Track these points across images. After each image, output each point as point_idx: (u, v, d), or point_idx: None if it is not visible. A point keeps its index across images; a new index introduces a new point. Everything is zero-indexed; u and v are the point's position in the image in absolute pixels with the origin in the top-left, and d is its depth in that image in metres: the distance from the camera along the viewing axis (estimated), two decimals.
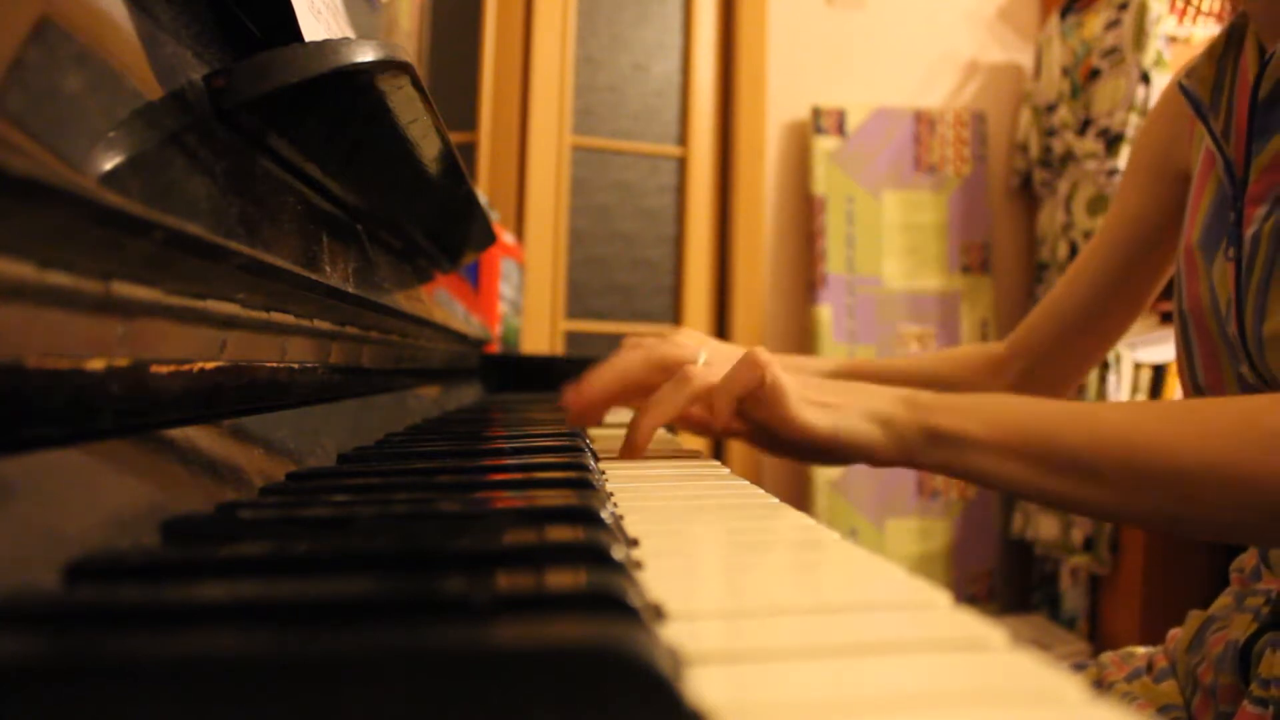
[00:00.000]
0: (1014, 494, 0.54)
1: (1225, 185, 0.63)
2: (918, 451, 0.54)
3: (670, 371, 0.57)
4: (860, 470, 2.31)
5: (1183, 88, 0.66)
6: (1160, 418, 0.50)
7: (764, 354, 0.54)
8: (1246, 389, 0.60)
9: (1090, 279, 0.79)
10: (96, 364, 0.26)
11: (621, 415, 0.92)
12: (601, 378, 0.58)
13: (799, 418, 0.53)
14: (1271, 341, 0.56)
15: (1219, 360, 0.63)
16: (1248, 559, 0.67)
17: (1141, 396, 2.03)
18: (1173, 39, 2.11)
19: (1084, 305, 0.80)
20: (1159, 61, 2.04)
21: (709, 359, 0.59)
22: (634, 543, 0.30)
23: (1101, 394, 2.03)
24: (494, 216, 1.34)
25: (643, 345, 0.62)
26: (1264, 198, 0.59)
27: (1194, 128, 0.70)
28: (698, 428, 0.64)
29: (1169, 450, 0.48)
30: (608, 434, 0.77)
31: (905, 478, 2.34)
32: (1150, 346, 2.01)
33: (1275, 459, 0.46)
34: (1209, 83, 0.65)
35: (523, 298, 1.93)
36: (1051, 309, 0.82)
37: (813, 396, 0.54)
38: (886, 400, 0.55)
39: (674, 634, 0.20)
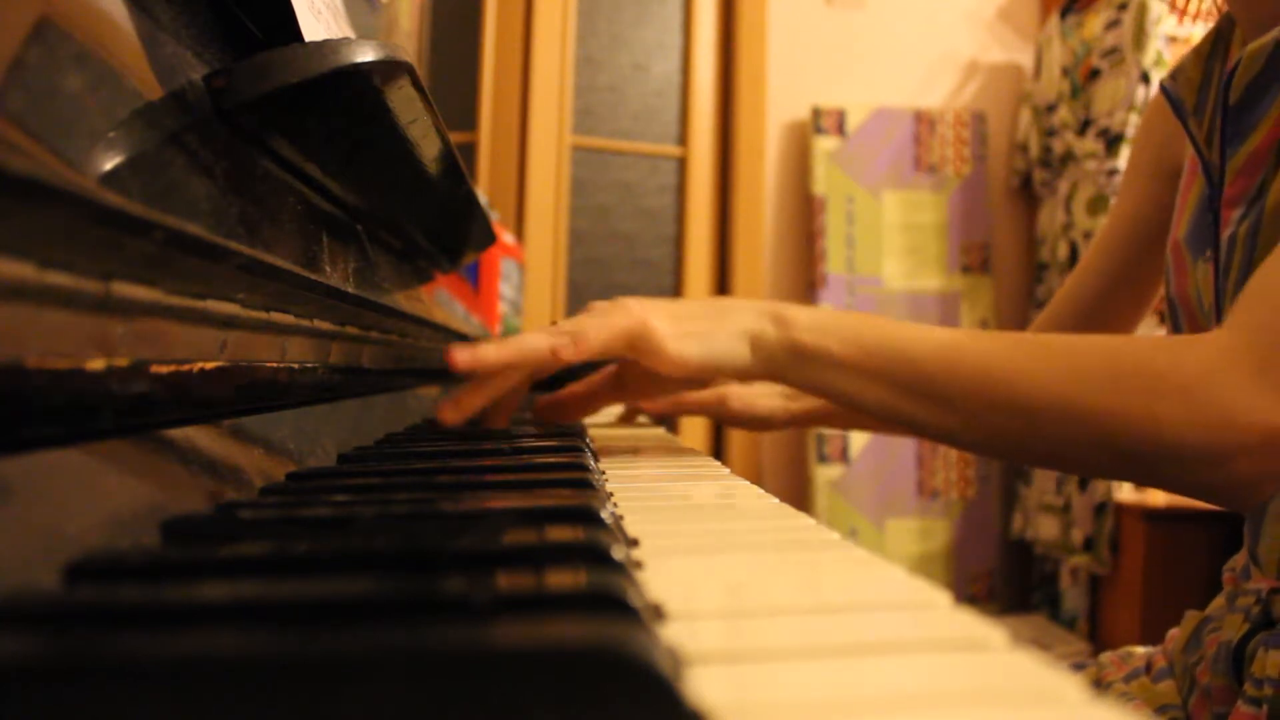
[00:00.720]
0: (875, 416, 0.54)
1: (1204, 189, 0.63)
2: (784, 368, 0.54)
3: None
4: (860, 470, 2.31)
5: (1164, 89, 0.66)
6: (1015, 347, 0.51)
7: (634, 306, 0.54)
8: None
9: (1094, 280, 0.79)
10: (96, 364, 0.26)
11: (617, 414, 0.92)
12: (501, 350, 0.55)
13: (674, 353, 0.54)
14: None
15: None
16: (1239, 559, 0.67)
17: None
18: (1173, 39, 2.11)
19: (1089, 306, 0.80)
20: (1159, 61, 2.04)
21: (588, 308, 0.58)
22: (634, 543, 0.30)
23: None
24: (494, 216, 1.34)
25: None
26: (1239, 200, 0.59)
27: None
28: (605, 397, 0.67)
29: (1018, 381, 0.49)
30: (608, 434, 0.77)
31: (905, 478, 2.34)
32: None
33: (1116, 398, 0.47)
34: (1195, 84, 0.65)
35: (523, 298, 1.93)
36: (1057, 312, 0.82)
37: (683, 328, 0.54)
38: (755, 316, 0.55)
39: (674, 634, 0.20)
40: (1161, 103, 0.75)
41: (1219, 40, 0.65)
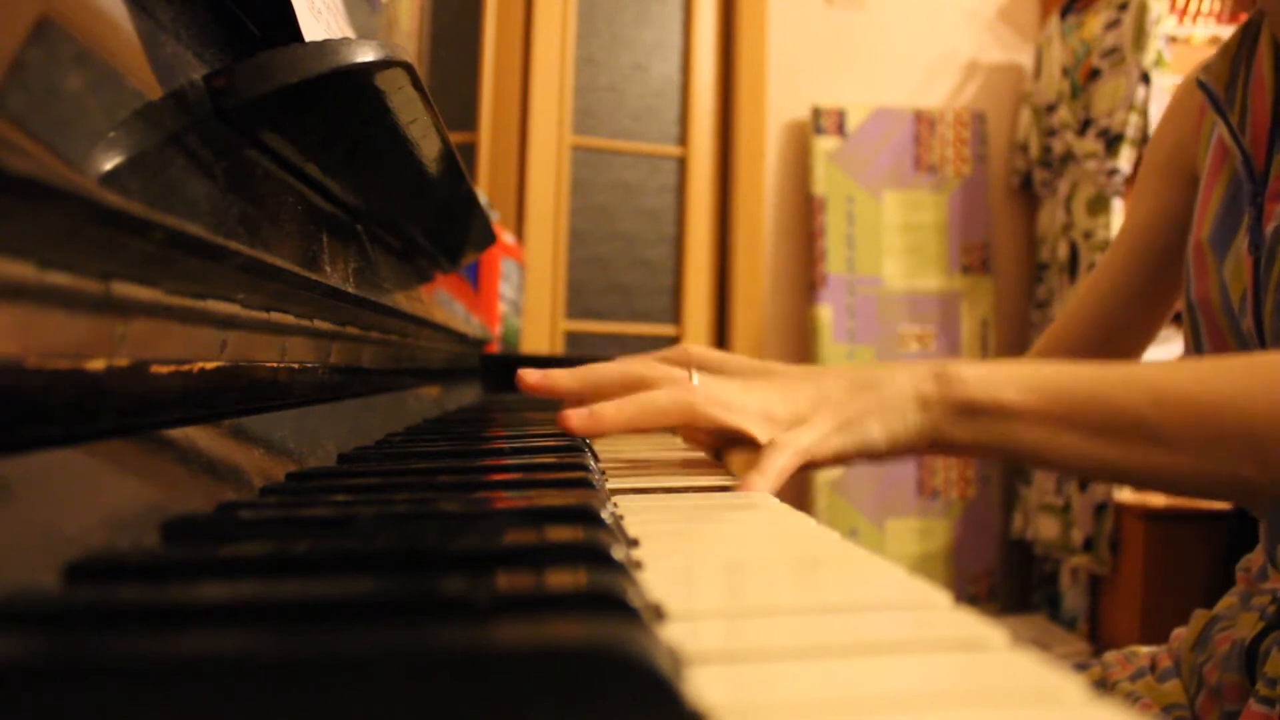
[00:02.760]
0: (1065, 470, 0.48)
1: (1244, 180, 0.62)
2: (951, 429, 0.49)
3: (691, 424, 0.50)
4: (860, 470, 2.31)
5: (1200, 82, 0.66)
6: (1216, 371, 0.46)
7: (787, 444, 0.47)
8: None
9: (1110, 289, 0.77)
10: (96, 364, 0.26)
11: None
12: (621, 414, 0.49)
13: (829, 456, 0.49)
14: None
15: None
16: (1254, 559, 0.66)
17: None
18: (1173, 39, 2.11)
19: (1105, 316, 0.77)
20: (1159, 61, 2.04)
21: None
22: (634, 543, 0.30)
23: None
24: (494, 216, 1.34)
25: (674, 390, 0.52)
26: None
27: (1200, 128, 0.70)
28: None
29: (1242, 406, 0.44)
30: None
31: (905, 478, 2.34)
32: (1158, 346, 2.01)
33: None
34: (1224, 79, 0.65)
35: (523, 298, 1.93)
36: (1069, 324, 0.79)
37: (831, 423, 0.49)
38: (909, 382, 0.50)
39: (674, 634, 0.20)
40: (1174, 107, 0.74)
41: (1245, 37, 0.65)
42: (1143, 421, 0.46)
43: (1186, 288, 0.68)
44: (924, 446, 0.50)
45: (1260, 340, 0.59)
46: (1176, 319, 0.74)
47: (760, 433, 0.49)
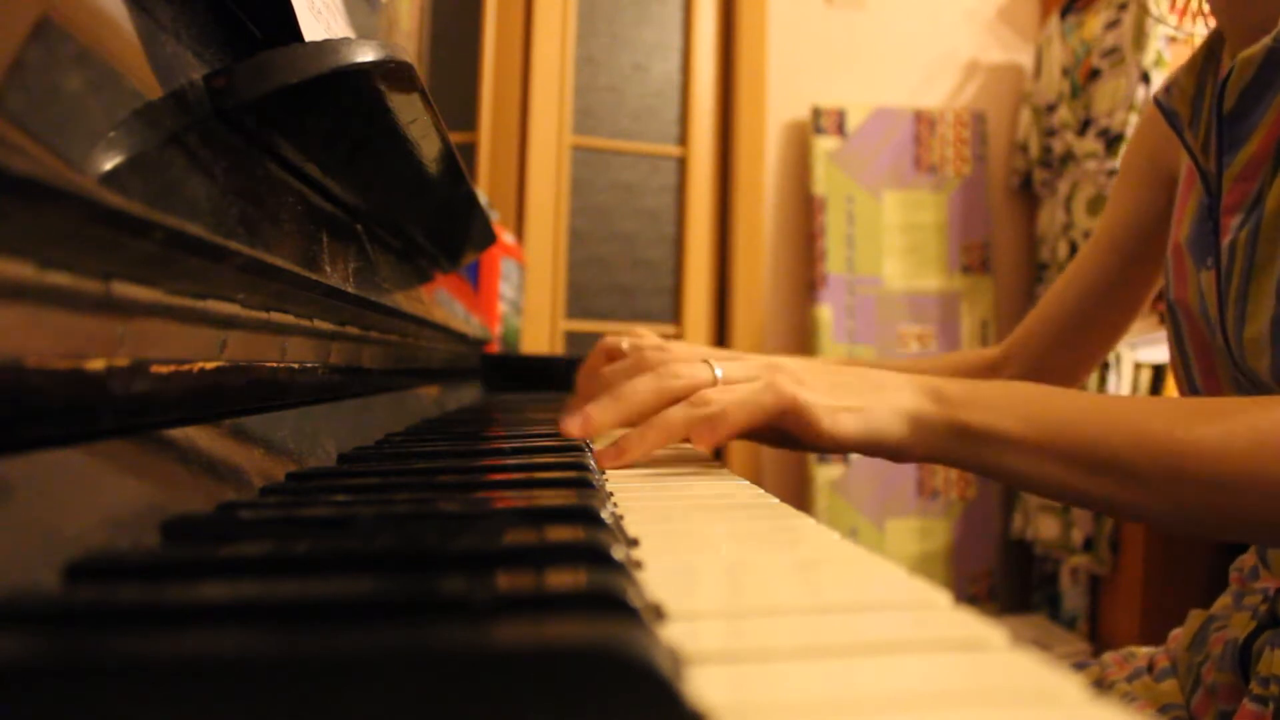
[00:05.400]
0: (1041, 492, 0.52)
1: (1203, 197, 0.64)
2: (948, 449, 0.52)
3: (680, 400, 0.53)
4: (860, 470, 2.31)
5: (1158, 102, 0.67)
6: (1191, 415, 0.48)
7: (784, 381, 0.51)
8: (1243, 392, 0.60)
9: (1084, 284, 0.79)
10: (96, 364, 0.26)
11: None
12: (607, 411, 0.53)
13: (829, 430, 0.51)
14: (1252, 345, 0.57)
15: (1214, 365, 0.64)
16: (1247, 559, 0.67)
17: (1143, 395, 2.03)
18: (1173, 39, 2.11)
19: (1078, 309, 0.80)
20: (1159, 61, 2.04)
21: (723, 377, 0.55)
22: (634, 542, 0.30)
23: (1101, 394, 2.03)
24: (494, 216, 1.34)
25: (647, 363, 0.57)
26: (1238, 207, 0.59)
27: None
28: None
29: (1203, 452, 0.46)
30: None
31: (905, 478, 2.34)
32: (1150, 346, 2.01)
33: None
34: (1189, 96, 0.65)
35: (523, 298, 1.93)
36: (1046, 313, 0.82)
37: (838, 402, 0.52)
38: (913, 395, 0.53)
39: (674, 634, 0.20)
40: (1155, 112, 0.75)
41: (1210, 53, 0.66)
42: (1122, 461, 0.48)
43: (1167, 288, 0.69)
44: (917, 457, 0.53)
45: (1229, 352, 0.60)
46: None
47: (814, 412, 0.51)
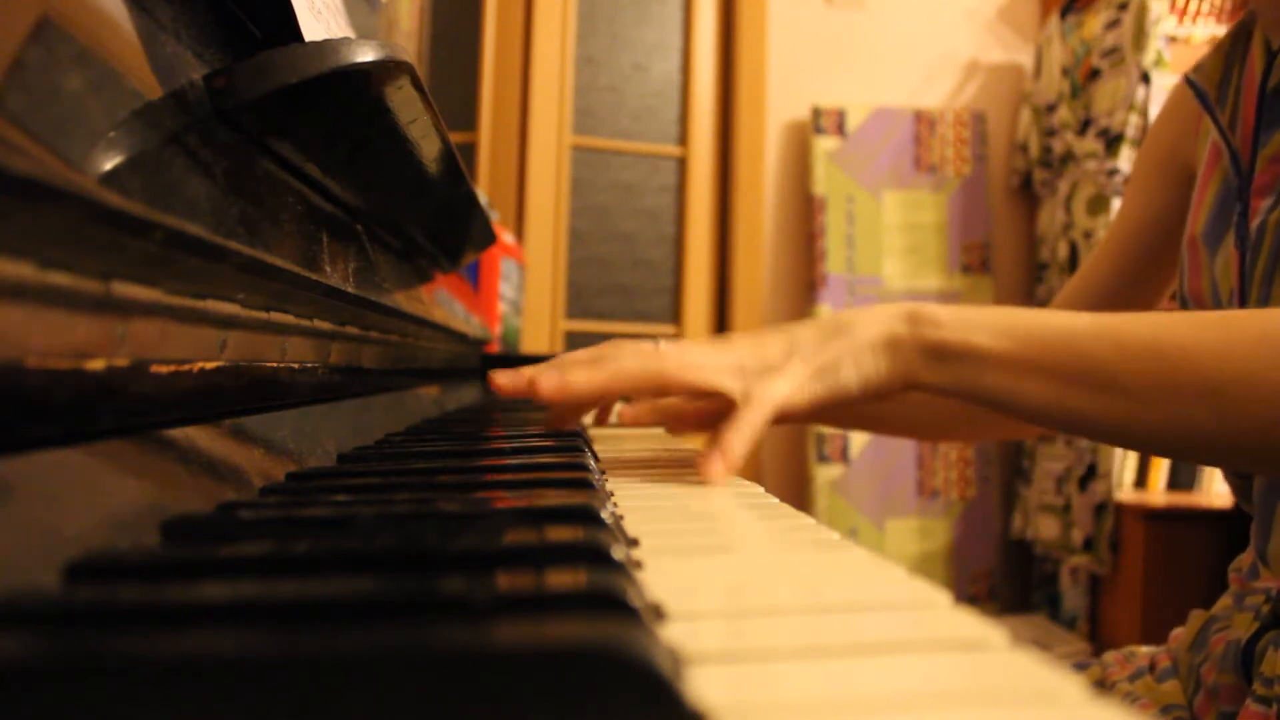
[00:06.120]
0: (1029, 416, 0.49)
1: (1231, 178, 0.63)
2: (923, 371, 0.49)
3: (664, 387, 0.50)
4: (860, 470, 2.31)
5: (1189, 80, 0.67)
6: (1189, 323, 0.46)
7: (762, 396, 0.48)
8: None
9: (1098, 288, 0.78)
10: (96, 364, 0.26)
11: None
12: (593, 378, 0.49)
13: (804, 405, 0.49)
14: None
15: None
16: (1245, 559, 0.67)
17: None
18: (1173, 39, 2.11)
19: (1099, 307, 0.77)
20: (1159, 61, 2.04)
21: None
22: (634, 542, 0.30)
23: None
24: (494, 216, 1.34)
25: (642, 354, 0.53)
26: (1270, 189, 0.59)
27: (1199, 126, 0.71)
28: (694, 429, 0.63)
29: (1202, 358, 0.44)
30: (608, 434, 0.77)
31: (905, 478, 2.34)
32: None
33: None
34: (1216, 78, 0.66)
35: (523, 298, 1.93)
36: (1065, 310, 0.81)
37: (805, 371, 0.49)
38: (884, 321, 0.50)
39: (674, 634, 0.20)
40: (1173, 104, 0.75)
41: (1239, 37, 0.66)
42: (1106, 368, 0.46)
43: (1180, 281, 0.69)
44: (898, 388, 0.50)
45: None
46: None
47: (733, 386, 0.49)
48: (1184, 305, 0.68)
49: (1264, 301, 0.57)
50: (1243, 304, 0.60)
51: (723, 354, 0.50)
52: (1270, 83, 0.59)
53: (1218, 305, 0.63)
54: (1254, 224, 0.60)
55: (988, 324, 0.48)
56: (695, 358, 0.49)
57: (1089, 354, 0.46)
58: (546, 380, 0.49)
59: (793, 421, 0.50)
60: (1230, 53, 0.66)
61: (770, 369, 0.49)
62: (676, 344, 0.51)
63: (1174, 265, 0.76)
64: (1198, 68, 0.67)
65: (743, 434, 0.47)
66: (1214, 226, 0.65)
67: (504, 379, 0.51)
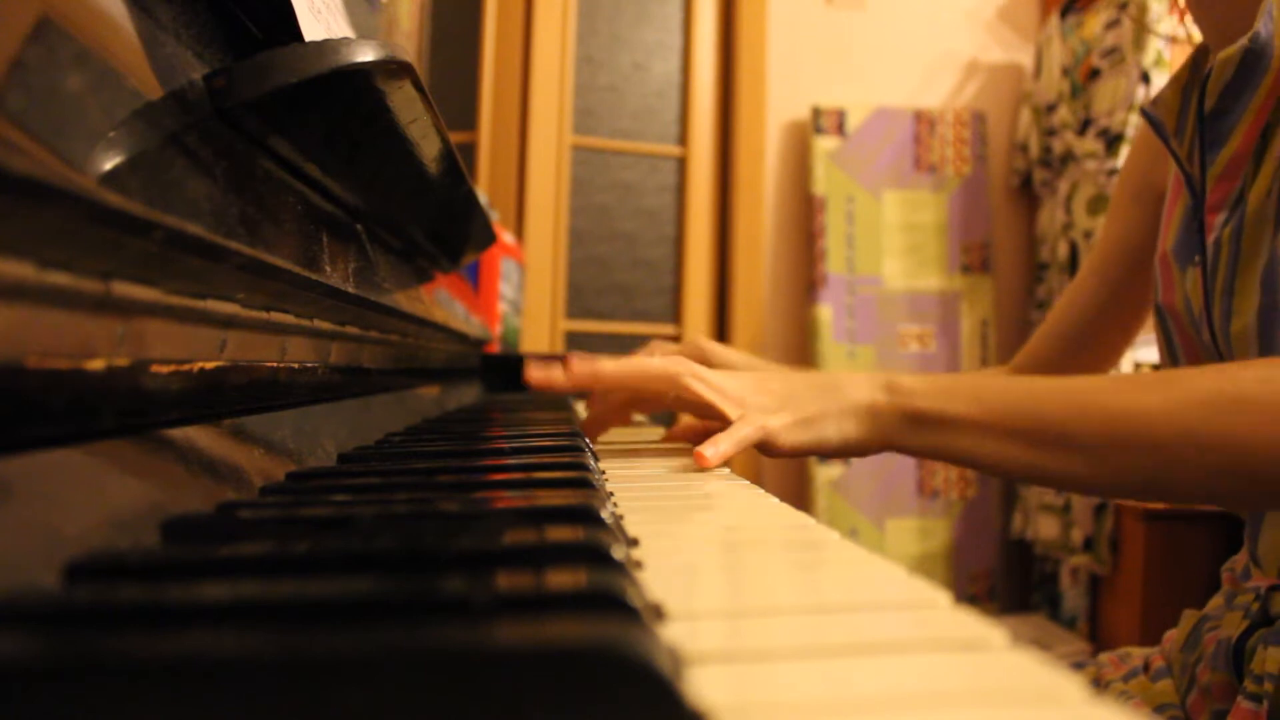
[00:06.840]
0: (996, 473, 0.55)
1: (1188, 201, 0.66)
2: (901, 436, 0.55)
3: (676, 389, 0.58)
4: (860, 470, 2.31)
5: (1144, 112, 0.69)
6: (1135, 385, 0.51)
7: (754, 419, 0.54)
8: None
9: (1084, 303, 0.82)
10: (96, 364, 0.26)
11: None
12: (620, 366, 0.58)
13: (787, 445, 0.55)
14: (1239, 340, 0.58)
15: (1202, 363, 0.65)
16: (1239, 559, 0.67)
17: None
18: (1172, 39, 2.11)
19: (1079, 329, 0.82)
20: (1159, 61, 2.04)
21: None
22: (634, 542, 0.30)
23: None
24: (494, 216, 1.34)
25: (669, 356, 0.62)
26: (1221, 205, 0.62)
27: (1166, 151, 0.73)
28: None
29: (1145, 416, 0.49)
30: (608, 434, 0.77)
31: (905, 478, 2.34)
32: (1151, 346, 2.01)
33: (1243, 421, 0.47)
34: (1174, 109, 0.68)
35: (523, 298, 1.93)
36: (1051, 331, 0.85)
37: (797, 416, 0.55)
38: (868, 388, 0.56)
39: (674, 634, 0.20)
40: (1145, 132, 0.78)
41: (1194, 67, 0.68)
42: (1064, 428, 0.51)
43: (1156, 294, 0.71)
44: (874, 450, 0.56)
45: (1216, 348, 0.61)
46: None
47: (732, 412, 0.56)
48: (1159, 316, 0.70)
49: (1227, 315, 0.60)
50: (1208, 318, 0.62)
51: (730, 382, 0.57)
52: (1207, 104, 0.62)
53: (1190, 318, 0.65)
54: (1210, 240, 0.62)
55: (959, 393, 0.54)
56: (708, 375, 0.57)
57: (1048, 416, 0.52)
58: (580, 365, 0.57)
59: (776, 456, 0.56)
60: (1188, 84, 0.68)
61: (766, 410, 0.56)
62: (699, 365, 0.59)
63: (1151, 283, 0.78)
64: (1156, 101, 0.69)
65: (732, 438, 0.53)
66: (1181, 244, 0.67)
67: (537, 373, 0.58)
